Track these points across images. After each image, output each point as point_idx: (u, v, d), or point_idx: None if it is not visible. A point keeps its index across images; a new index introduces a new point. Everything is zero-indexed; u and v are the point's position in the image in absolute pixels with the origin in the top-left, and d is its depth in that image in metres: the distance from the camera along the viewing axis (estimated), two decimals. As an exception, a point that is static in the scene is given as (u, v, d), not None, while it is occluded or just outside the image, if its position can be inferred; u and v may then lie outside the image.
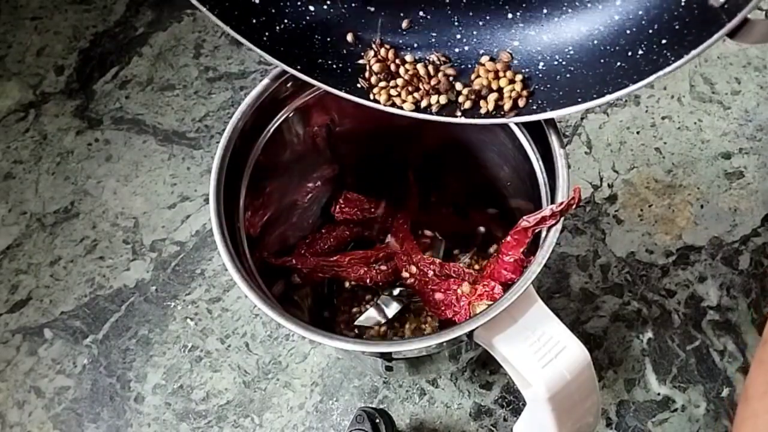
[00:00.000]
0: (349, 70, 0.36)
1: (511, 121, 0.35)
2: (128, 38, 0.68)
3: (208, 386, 0.52)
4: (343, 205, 0.48)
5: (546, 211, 0.34)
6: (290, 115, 0.41)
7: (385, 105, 0.36)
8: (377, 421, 0.44)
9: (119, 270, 0.57)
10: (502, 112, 0.35)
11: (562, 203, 0.33)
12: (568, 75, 0.33)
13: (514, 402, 0.49)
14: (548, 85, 0.34)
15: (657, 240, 0.54)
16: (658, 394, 0.49)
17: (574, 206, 0.33)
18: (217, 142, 0.40)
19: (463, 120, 0.35)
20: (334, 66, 0.36)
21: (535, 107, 0.34)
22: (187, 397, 0.51)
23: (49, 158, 0.63)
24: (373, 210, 0.49)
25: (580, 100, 0.31)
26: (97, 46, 0.68)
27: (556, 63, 0.33)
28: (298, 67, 0.35)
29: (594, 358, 0.38)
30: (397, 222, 0.48)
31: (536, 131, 0.36)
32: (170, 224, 0.58)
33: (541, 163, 0.37)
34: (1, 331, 0.55)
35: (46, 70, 0.67)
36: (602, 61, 0.31)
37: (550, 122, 0.35)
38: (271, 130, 0.40)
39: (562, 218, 0.34)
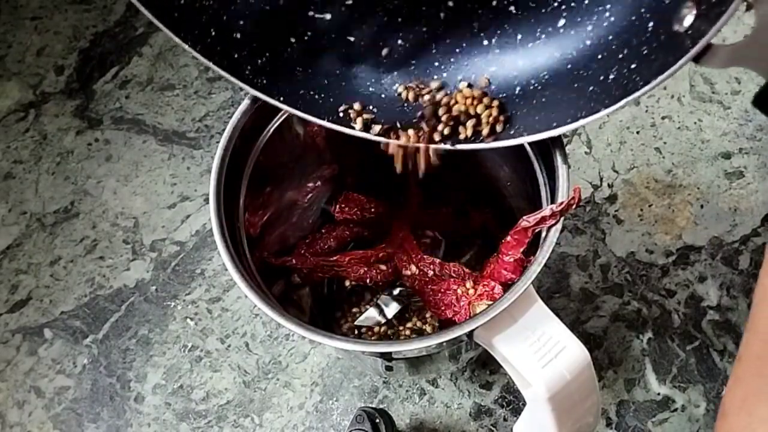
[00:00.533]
0: (331, 99, 0.36)
1: (489, 147, 0.35)
2: (128, 38, 0.68)
3: (208, 386, 0.52)
4: (343, 205, 0.48)
5: (546, 211, 0.34)
6: (290, 115, 0.40)
7: (366, 133, 0.36)
8: (377, 421, 0.44)
9: (119, 270, 0.57)
10: (481, 138, 0.35)
11: (562, 203, 0.33)
12: (543, 99, 0.33)
13: (514, 402, 0.49)
14: (525, 110, 0.34)
15: (657, 240, 0.54)
16: (658, 394, 0.49)
17: (574, 206, 0.33)
18: (217, 142, 0.40)
19: (442, 146, 0.36)
20: (316, 96, 0.36)
21: (512, 132, 0.34)
22: (187, 397, 0.51)
23: (49, 158, 0.63)
24: (373, 210, 0.49)
25: (555, 124, 0.32)
26: (97, 46, 0.68)
27: (532, 87, 0.34)
28: (281, 98, 0.36)
29: (594, 358, 0.38)
30: (397, 222, 0.48)
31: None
32: (170, 224, 0.58)
33: (541, 163, 0.37)
34: (1, 331, 0.55)
35: (46, 70, 0.67)
36: (576, 85, 0.32)
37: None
38: (271, 130, 0.40)
39: (562, 218, 0.34)
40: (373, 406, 0.49)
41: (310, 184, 0.47)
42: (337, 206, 0.48)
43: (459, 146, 0.35)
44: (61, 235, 0.59)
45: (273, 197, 0.43)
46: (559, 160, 0.34)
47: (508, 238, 0.37)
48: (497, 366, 0.38)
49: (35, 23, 0.70)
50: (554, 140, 0.35)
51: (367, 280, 0.46)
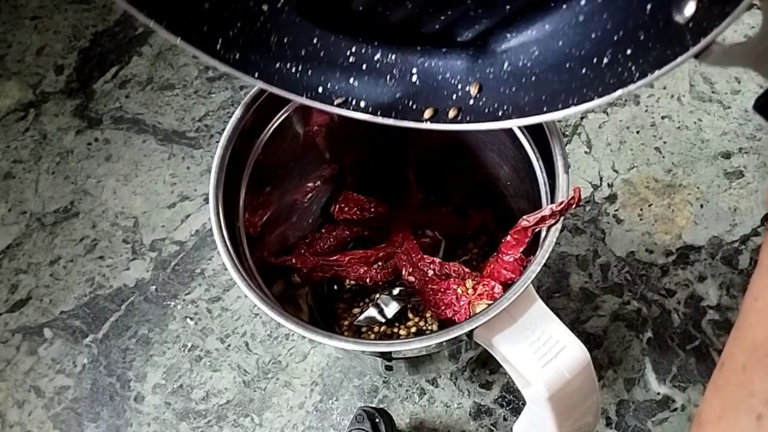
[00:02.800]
0: (309, 72, 0.35)
1: (475, 128, 0.34)
2: (128, 38, 0.68)
3: (207, 386, 0.52)
4: (343, 205, 0.48)
5: (546, 210, 0.34)
6: (290, 114, 0.40)
7: (346, 110, 0.35)
8: (377, 420, 0.44)
9: (119, 269, 0.57)
10: (465, 117, 0.34)
11: (561, 203, 0.33)
12: (533, 78, 0.32)
13: (513, 401, 0.49)
14: (514, 88, 0.33)
15: (657, 239, 0.54)
16: (658, 393, 0.49)
17: (573, 206, 0.33)
18: (217, 142, 0.40)
19: (423, 125, 0.34)
20: (293, 70, 0.34)
21: (500, 113, 0.33)
22: (186, 397, 0.51)
23: (48, 158, 0.63)
24: (373, 210, 0.49)
25: (545, 108, 0.31)
26: (97, 45, 0.68)
27: (521, 63, 0.33)
28: (256, 74, 0.34)
29: (594, 358, 0.38)
30: (397, 222, 0.48)
31: (536, 131, 0.36)
32: (170, 224, 0.58)
33: (541, 163, 0.37)
34: (1, 331, 0.55)
35: (46, 70, 0.67)
36: (567, 65, 0.31)
37: (550, 121, 0.35)
38: (271, 130, 0.40)
39: (562, 218, 0.34)
40: (373, 405, 0.49)
41: (310, 184, 0.47)
42: (337, 206, 0.48)
43: (440, 126, 0.34)
44: (61, 235, 0.59)
45: (273, 197, 0.43)
46: (559, 160, 0.34)
47: (508, 238, 0.37)
48: (497, 365, 0.38)
49: (35, 23, 0.70)
50: (554, 137, 0.35)
51: (367, 280, 0.46)
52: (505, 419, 0.49)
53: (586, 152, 0.58)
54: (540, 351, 0.31)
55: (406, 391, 0.50)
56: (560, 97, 0.30)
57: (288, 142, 0.42)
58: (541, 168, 0.37)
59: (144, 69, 0.66)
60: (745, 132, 0.57)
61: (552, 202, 0.35)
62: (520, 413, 0.36)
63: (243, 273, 0.34)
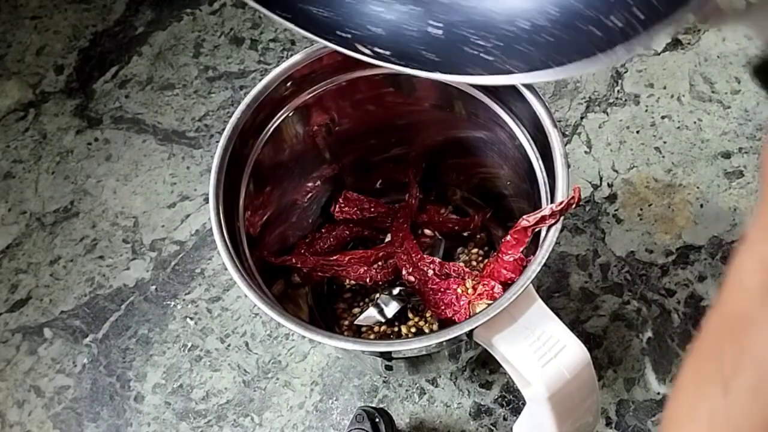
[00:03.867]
0: (335, 17, 0.34)
1: (493, 83, 0.33)
2: (128, 37, 0.68)
3: (207, 385, 0.52)
4: (343, 205, 0.48)
5: (546, 210, 0.34)
6: (290, 114, 0.41)
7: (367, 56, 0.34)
8: (377, 420, 0.44)
9: (119, 269, 0.57)
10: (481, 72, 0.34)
11: (561, 202, 0.33)
12: (551, 37, 0.32)
13: (513, 401, 0.49)
14: (531, 47, 0.32)
15: (657, 239, 0.54)
16: (658, 393, 0.49)
17: (573, 205, 0.33)
18: (217, 142, 0.40)
19: (441, 77, 0.34)
20: (318, 12, 0.34)
21: (514, 71, 0.32)
22: (186, 397, 0.51)
23: (48, 157, 0.63)
24: (373, 210, 0.49)
25: (557, 65, 0.30)
26: (97, 45, 0.68)
27: (538, 22, 0.33)
28: (282, 13, 0.33)
29: (594, 358, 0.38)
30: (397, 222, 0.48)
31: (536, 130, 0.36)
32: (170, 223, 0.58)
33: (541, 162, 0.37)
34: (1, 331, 0.55)
35: (46, 70, 0.67)
36: (578, 24, 0.31)
37: (550, 120, 0.35)
38: (271, 130, 0.40)
39: (562, 217, 0.34)
40: (373, 405, 0.49)
41: (310, 184, 0.47)
42: (337, 206, 0.48)
43: (453, 78, 0.34)
44: (61, 235, 0.59)
45: (273, 197, 0.43)
46: (559, 159, 0.34)
47: (508, 238, 0.37)
48: (497, 365, 0.38)
49: (35, 22, 0.70)
50: (554, 136, 0.35)
51: (367, 280, 0.46)
52: (505, 419, 0.49)
53: (586, 152, 0.58)
54: (540, 351, 0.31)
55: (406, 390, 0.50)
56: (571, 55, 0.30)
57: (288, 142, 0.42)
58: (541, 168, 0.37)
59: (144, 69, 0.66)
60: (745, 132, 0.57)
61: (552, 202, 0.35)
62: (520, 413, 0.36)
63: (243, 273, 0.34)
